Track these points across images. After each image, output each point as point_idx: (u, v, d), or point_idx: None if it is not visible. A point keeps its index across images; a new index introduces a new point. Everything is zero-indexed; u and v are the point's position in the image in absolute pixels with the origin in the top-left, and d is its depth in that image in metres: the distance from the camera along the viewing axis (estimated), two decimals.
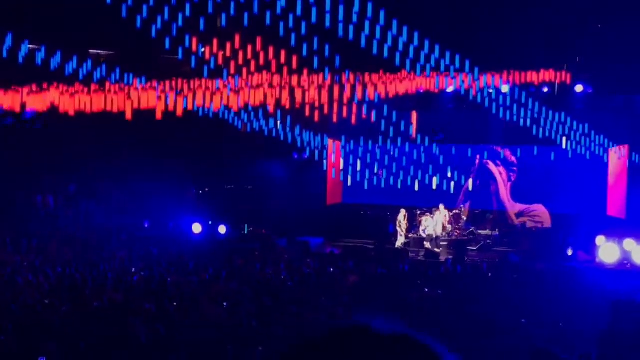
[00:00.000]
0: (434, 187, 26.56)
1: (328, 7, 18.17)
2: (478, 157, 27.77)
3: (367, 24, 19.62)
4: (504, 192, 27.60)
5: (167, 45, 18.95)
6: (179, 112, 23.39)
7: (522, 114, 25.54)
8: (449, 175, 26.74)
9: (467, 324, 11.65)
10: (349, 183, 27.86)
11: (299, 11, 18.38)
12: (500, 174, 27.70)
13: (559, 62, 26.04)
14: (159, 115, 23.11)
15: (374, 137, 26.73)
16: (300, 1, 18.04)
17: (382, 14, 19.43)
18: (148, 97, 23.35)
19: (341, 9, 18.56)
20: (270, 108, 24.88)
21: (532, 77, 26.10)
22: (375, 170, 27.64)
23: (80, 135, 24.57)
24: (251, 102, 24.52)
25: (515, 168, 27.53)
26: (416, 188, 26.70)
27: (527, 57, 25.02)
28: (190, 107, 23.60)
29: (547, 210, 26.94)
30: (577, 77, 25.63)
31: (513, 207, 27.48)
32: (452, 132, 26.63)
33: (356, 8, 18.69)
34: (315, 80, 24.99)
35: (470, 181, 27.52)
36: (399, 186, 27.02)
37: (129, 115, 23.00)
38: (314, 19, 18.62)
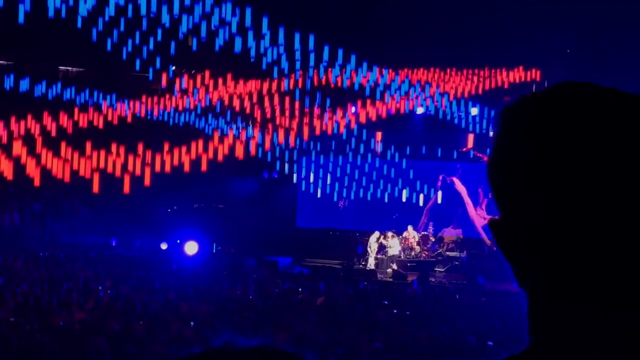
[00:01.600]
0: (404, 199, 26.63)
1: (298, 55, 18.89)
2: (441, 177, 27.20)
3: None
4: (472, 210, 27.02)
5: (137, 67, 19.01)
6: (147, 182, 23.46)
7: (492, 129, 25.90)
8: (418, 188, 26.79)
9: (434, 345, 11.70)
10: (319, 195, 27.87)
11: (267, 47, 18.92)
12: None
13: (528, 63, 26.45)
14: (126, 190, 23.13)
15: (343, 152, 26.97)
16: (271, 48, 18.59)
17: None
18: (115, 165, 23.37)
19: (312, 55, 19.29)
20: (240, 155, 25.02)
21: (502, 77, 26.49)
22: (341, 200, 27.73)
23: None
24: (220, 155, 24.74)
25: None
26: (385, 200, 26.80)
27: (497, 57, 25.51)
28: (158, 170, 23.69)
29: None
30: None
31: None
32: (423, 148, 26.65)
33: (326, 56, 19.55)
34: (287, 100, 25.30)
35: (431, 200, 27.31)
36: (369, 198, 27.14)
37: (96, 189, 23.03)
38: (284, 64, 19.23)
